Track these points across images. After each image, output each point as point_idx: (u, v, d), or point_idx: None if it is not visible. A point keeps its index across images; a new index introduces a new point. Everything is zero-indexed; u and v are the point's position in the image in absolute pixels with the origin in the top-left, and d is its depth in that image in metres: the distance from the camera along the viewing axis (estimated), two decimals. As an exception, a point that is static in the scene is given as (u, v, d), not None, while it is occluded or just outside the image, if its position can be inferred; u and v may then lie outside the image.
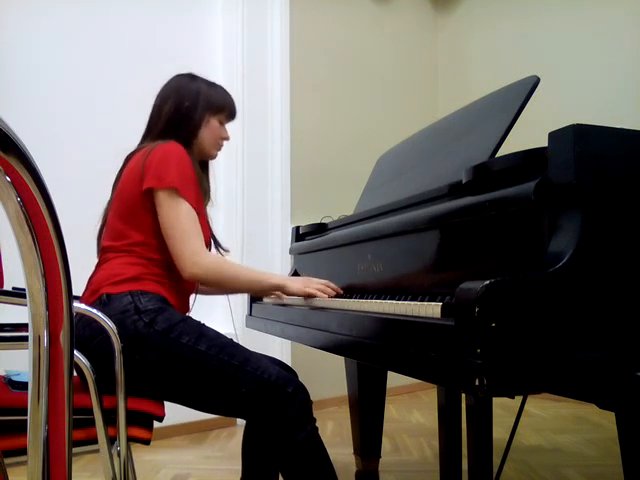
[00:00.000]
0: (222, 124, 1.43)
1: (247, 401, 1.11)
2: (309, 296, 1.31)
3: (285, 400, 1.10)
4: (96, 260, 1.32)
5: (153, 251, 1.25)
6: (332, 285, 1.34)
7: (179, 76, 1.42)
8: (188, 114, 1.36)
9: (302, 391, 1.14)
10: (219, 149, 1.45)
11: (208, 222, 1.40)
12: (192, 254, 1.20)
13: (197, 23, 2.84)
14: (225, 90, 1.44)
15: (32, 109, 2.30)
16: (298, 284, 1.31)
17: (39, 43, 2.35)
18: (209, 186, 1.47)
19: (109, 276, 1.20)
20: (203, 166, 1.48)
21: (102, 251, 1.30)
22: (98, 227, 1.37)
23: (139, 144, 1.40)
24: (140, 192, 1.23)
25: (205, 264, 1.21)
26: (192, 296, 1.40)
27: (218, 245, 1.48)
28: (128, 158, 1.36)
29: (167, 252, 1.24)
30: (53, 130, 2.35)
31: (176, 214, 1.21)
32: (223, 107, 1.41)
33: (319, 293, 1.30)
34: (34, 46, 2.34)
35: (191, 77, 1.41)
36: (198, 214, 1.26)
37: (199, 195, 1.30)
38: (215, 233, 1.47)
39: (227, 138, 1.46)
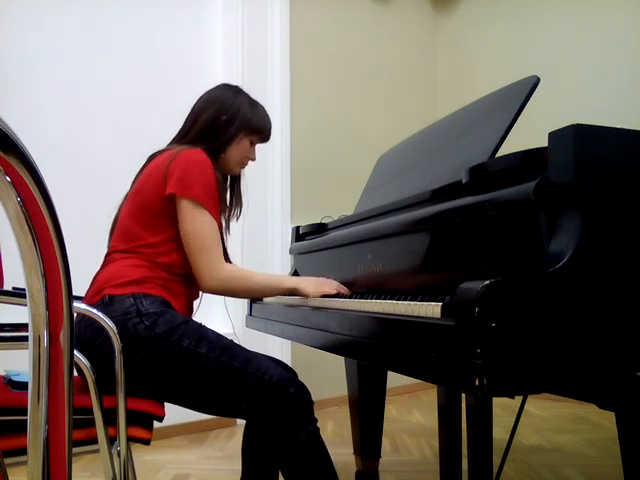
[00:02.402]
0: (252, 144, 1.43)
1: (248, 402, 1.11)
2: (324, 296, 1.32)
3: (287, 401, 1.10)
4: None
5: (160, 255, 1.24)
6: (344, 288, 1.35)
7: (224, 87, 1.42)
8: (223, 128, 1.36)
9: (303, 392, 1.14)
10: (243, 167, 1.46)
11: (223, 233, 1.40)
12: (209, 268, 1.22)
13: (197, 23, 2.84)
14: (265, 112, 1.44)
15: (32, 109, 2.30)
16: (311, 285, 1.32)
17: (39, 43, 2.34)
18: (240, 200, 1.49)
19: (113, 277, 1.20)
20: (234, 180, 1.49)
21: (110, 249, 1.30)
22: (112, 219, 1.36)
23: (167, 145, 1.39)
24: (161, 195, 1.23)
25: (221, 278, 1.23)
26: (196, 301, 1.40)
27: (226, 258, 1.48)
28: (152, 157, 1.36)
29: (174, 257, 1.25)
30: (53, 130, 2.35)
31: (197, 227, 1.21)
32: (258, 130, 1.41)
33: (334, 292, 1.31)
34: (34, 46, 2.33)
35: (236, 91, 1.41)
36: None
37: (218, 206, 1.31)
38: (227, 244, 1.46)
39: (253, 159, 1.46)
